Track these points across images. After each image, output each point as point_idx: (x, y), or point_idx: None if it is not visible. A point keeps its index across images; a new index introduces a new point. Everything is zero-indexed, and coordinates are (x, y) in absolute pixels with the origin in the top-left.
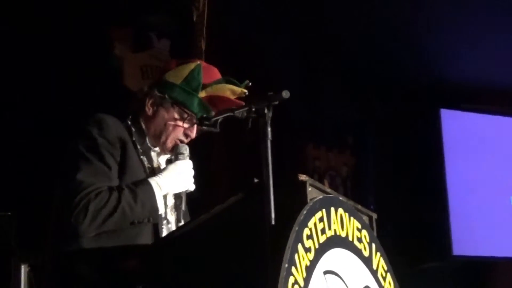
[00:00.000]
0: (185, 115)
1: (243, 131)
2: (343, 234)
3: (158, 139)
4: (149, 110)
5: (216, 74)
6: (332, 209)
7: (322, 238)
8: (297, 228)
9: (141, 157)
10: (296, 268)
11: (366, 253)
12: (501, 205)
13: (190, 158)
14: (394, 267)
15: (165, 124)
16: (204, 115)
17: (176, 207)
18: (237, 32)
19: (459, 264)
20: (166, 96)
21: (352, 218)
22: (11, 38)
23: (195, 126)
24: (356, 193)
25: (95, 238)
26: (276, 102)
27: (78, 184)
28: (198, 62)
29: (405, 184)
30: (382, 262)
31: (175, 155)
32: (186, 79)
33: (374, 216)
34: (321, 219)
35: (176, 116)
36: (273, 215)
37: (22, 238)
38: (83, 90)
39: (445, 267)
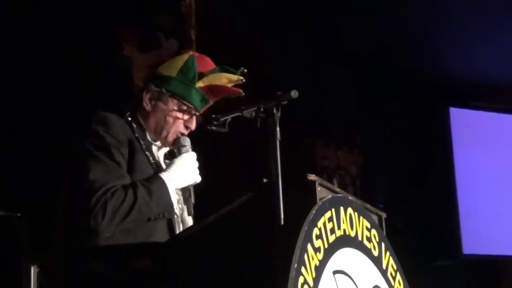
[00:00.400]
0: (184, 107)
1: (252, 131)
2: (353, 234)
3: (160, 134)
4: (147, 105)
5: (210, 62)
6: (342, 208)
7: (332, 238)
8: (306, 228)
9: (146, 153)
10: (305, 268)
11: (375, 253)
12: (510, 204)
13: (192, 150)
14: (404, 266)
15: (165, 118)
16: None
17: (185, 200)
18: (245, 31)
19: (469, 263)
20: (163, 89)
21: (361, 217)
22: (16, 37)
23: (194, 117)
24: (366, 192)
25: (111, 237)
26: (285, 102)
27: (92, 184)
28: (191, 52)
29: (414, 183)
30: (391, 261)
31: (177, 148)
32: (181, 71)
33: (384, 215)
34: (330, 219)
35: (175, 108)
36: (282, 215)
37: (32, 239)
38: (91, 91)
39: (455, 266)
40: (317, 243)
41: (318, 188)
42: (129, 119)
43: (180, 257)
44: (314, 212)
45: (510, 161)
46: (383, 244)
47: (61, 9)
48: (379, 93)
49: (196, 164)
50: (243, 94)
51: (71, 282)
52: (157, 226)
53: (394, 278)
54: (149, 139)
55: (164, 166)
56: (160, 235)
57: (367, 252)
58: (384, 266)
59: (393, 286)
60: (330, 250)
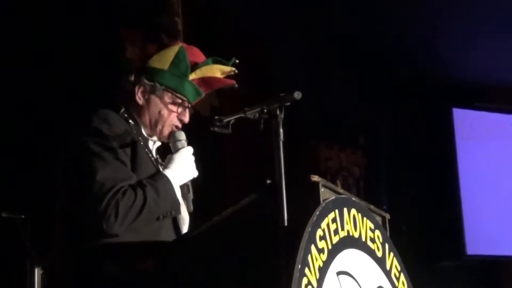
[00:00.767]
0: (178, 100)
1: (255, 132)
2: (356, 235)
3: (155, 128)
4: (140, 100)
5: (199, 53)
6: (345, 209)
7: (335, 239)
8: (310, 229)
9: (146, 150)
10: (309, 269)
11: (379, 254)
12: None
13: (188, 144)
14: (408, 267)
15: (160, 112)
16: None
17: (184, 195)
18: (251, 33)
19: (473, 264)
20: (156, 83)
21: (365, 218)
22: (18, 38)
23: (188, 110)
24: (369, 193)
25: (118, 236)
26: (288, 103)
27: (101, 186)
28: (180, 44)
29: (418, 184)
30: (395, 262)
31: (172, 142)
32: (173, 64)
33: (387, 216)
34: (334, 220)
35: (169, 102)
36: (285, 216)
37: (36, 241)
38: (93, 92)
39: (459, 266)
40: (321, 244)
41: (322, 189)
42: (125, 115)
43: (184, 258)
44: (317, 213)
45: None
46: (386, 245)
47: (64, 11)
48: (382, 94)
49: (193, 158)
50: (236, 85)
51: (75, 282)
52: (163, 224)
53: (398, 279)
54: (145, 134)
55: (159, 160)
56: (167, 233)
57: (370, 253)
58: (388, 267)
59: (397, 287)
60: (334, 251)
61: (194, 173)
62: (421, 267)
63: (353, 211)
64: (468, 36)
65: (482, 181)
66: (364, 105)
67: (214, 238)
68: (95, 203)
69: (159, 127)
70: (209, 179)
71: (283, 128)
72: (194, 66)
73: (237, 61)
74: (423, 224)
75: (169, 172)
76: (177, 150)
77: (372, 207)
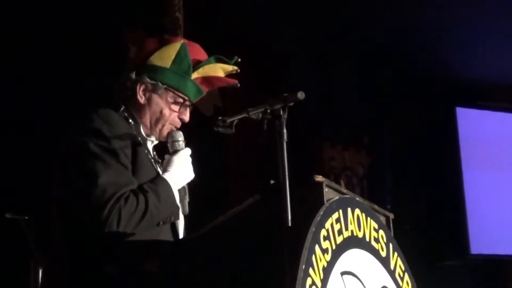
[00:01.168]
0: (179, 99)
1: (258, 133)
2: (360, 235)
3: (154, 127)
4: (142, 98)
5: (200, 50)
6: (349, 209)
7: (339, 239)
8: (313, 229)
9: (145, 151)
10: (313, 269)
11: (383, 253)
12: None
13: (186, 144)
14: (412, 267)
15: (161, 111)
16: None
17: (180, 198)
18: (255, 33)
19: (477, 263)
20: (159, 82)
21: (369, 218)
22: (21, 39)
23: (188, 109)
24: (373, 193)
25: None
26: (292, 103)
27: (103, 191)
28: (182, 40)
29: (422, 184)
30: (399, 262)
31: (170, 142)
32: (175, 62)
33: (391, 216)
34: (337, 220)
35: (170, 101)
36: (289, 216)
37: (40, 241)
38: (97, 92)
39: (463, 266)
40: (325, 244)
41: (325, 189)
42: (125, 114)
43: (187, 259)
44: (321, 213)
45: None
46: (390, 245)
47: (67, 11)
48: (385, 93)
49: (191, 160)
50: (238, 85)
51: (75, 283)
52: (161, 228)
53: (402, 279)
54: (144, 134)
55: (158, 160)
56: (165, 237)
57: (375, 253)
58: (392, 267)
59: (401, 287)
60: (338, 251)
61: (192, 176)
62: (425, 266)
63: (357, 211)
64: (471, 35)
65: (485, 180)
66: (368, 104)
67: (217, 238)
68: (97, 210)
69: (159, 126)
70: (212, 179)
71: (286, 128)
72: (196, 65)
73: (239, 60)
74: (427, 223)
75: (169, 176)
76: (175, 151)
77: (376, 207)
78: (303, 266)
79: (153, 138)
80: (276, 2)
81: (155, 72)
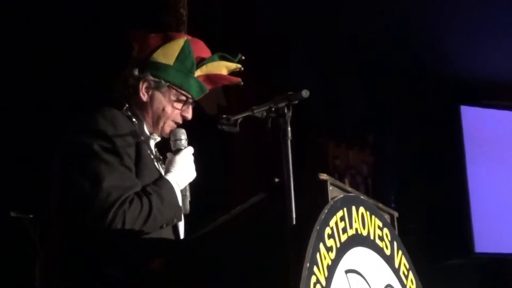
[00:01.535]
0: (182, 97)
1: (263, 131)
2: (365, 233)
3: (156, 125)
4: (144, 96)
5: (204, 47)
6: (353, 207)
7: (344, 237)
8: (318, 227)
9: (148, 151)
10: (318, 267)
11: (387, 252)
12: None
13: (188, 143)
14: (416, 265)
15: (163, 109)
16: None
17: (182, 197)
18: (260, 32)
19: (481, 261)
20: (162, 80)
21: (373, 216)
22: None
23: (191, 106)
24: (377, 191)
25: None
26: (296, 102)
27: (108, 195)
28: (185, 37)
29: (426, 182)
30: (404, 260)
31: (173, 141)
32: (178, 59)
33: (396, 214)
34: (342, 218)
35: (173, 99)
36: (294, 215)
37: (45, 240)
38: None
39: (467, 264)
40: (329, 242)
41: (330, 188)
42: (129, 113)
43: (191, 257)
44: (326, 211)
45: None
46: (395, 243)
47: (70, 10)
48: (389, 92)
49: (193, 159)
50: (242, 83)
51: (78, 283)
52: (164, 230)
53: (406, 277)
54: (147, 132)
55: (159, 158)
56: (166, 237)
57: (379, 251)
58: (396, 265)
59: (406, 285)
60: (342, 250)
61: (193, 175)
62: (430, 265)
63: (362, 209)
64: (476, 33)
65: (490, 179)
66: (372, 103)
67: (222, 237)
68: (102, 214)
69: (161, 123)
70: (217, 178)
71: (291, 127)
72: (200, 62)
73: (243, 57)
74: (431, 222)
75: (171, 177)
76: (177, 149)
77: (380, 205)
78: (308, 264)
79: (156, 136)
80: (281, 3)
81: (158, 69)
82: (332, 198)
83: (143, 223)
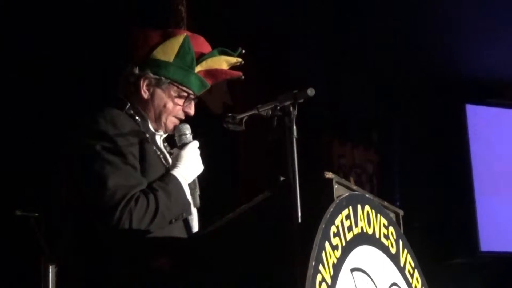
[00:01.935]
0: (183, 93)
1: (268, 130)
2: (370, 231)
3: (159, 121)
4: (145, 94)
5: (204, 42)
6: (359, 206)
7: (349, 236)
8: (323, 226)
9: (154, 148)
10: (323, 266)
11: (393, 250)
12: None
13: (193, 137)
14: (422, 264)
15: (164, 106)
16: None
17: (191, 191)
18: (266, 30)
19: (487, 260)
20: (163, 77)
21: (378, 215)
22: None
23: (193, 102)
24: (382, 190)
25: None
26: (301, 100)
27: (113, 194)
28: (184, 33)
29: (432, 180)
30: (409, 258)
31: (178, 136)
32: (178, 55)
33: (401, 213)
34: (347, 217)
35: (174, 95)
36: (299, 213)
37: (50, 239)
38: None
39: (473, 263)
40: (335, 241)
41: (335, 186)
42: (131, 111)
43: (197, 256)
44: (331, 210)
45: None
46: (400, 242)
47: (74, 9)
48: (395, 91)
49: (199, 152)
50: (243, 77)
51: (87, 282)
52: (174, 225)
53: (412, 276)
54: (152, 129)
55: (167, 155)
56: (178, 234)
57: (384, 249)
58: (401, 264)
59: (411, 284)
60: (348, 248)
61: (201, 168)
62: (435, 263)
63: (367, 207)
64: (481, 32)
65: (495, 177)
66: (378, 102)
67: (227, 235)
68: (108, 213)
69: (163, 119)
70: (222, 176)
71: (296, 125)
72: (200, 57)
73: (243, 51)
74: (437, 220)
75: (178, 172)
76: (182, 144)
77: (385, 203)
78: (313, 263)
79: (161, 133)
80: (286, 1)
81: (158, 66)
82: (337, 197)
83: (151, 220)
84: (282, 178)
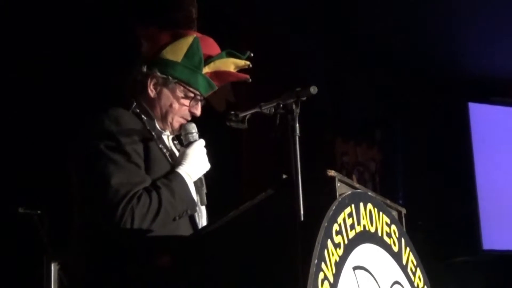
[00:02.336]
0: (190, 94)
1: (271, 128)
2: (372, 230)
3: (165, 120)
4: (152, 92)
5: (213, 44)
6: (361, 204)
7: (351, 234)
8: (326, 224)
9: (160, 146)
10: (325, 264)
11: (395, 248)
12: None
13: (199, 136)
14: (424, 262)
15: (171, 105)
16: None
17: (197, 189)
18: (269, 29)
19: (489, 259)
20: (169, 76)
21: (381, 213)
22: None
23: (199, 103)
24: (385, 188)
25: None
26: (304, 98)
27: (116, 191)
28: (194, 34)
29: (434, 179)
30: (411, 257)
31: (184, 135)
32: (186, 56)
33: (403, 211)
34: (350, 215)
35: (181, 95)
36: (302, 211)
37: (53, 236)
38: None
39: (475, 261)
40: (337, 239)
41: (338, 184)
42: (137, 110)
43: (200, 253)
44: (333, 208)
45: None
46: (403, 240)
47: (79, 6)
48: (398, 89)
49: (205, 151)
50: (250, 80)
51: (92, 280)
52: (180, 222)
53: (414, 274)
54: (159, 128)
55: (177, 153)
56: (184, 231)
57: (387, 247)
58: (404, 262)
59: (413, 282)
60: (350, 246)
61: (207, 166)
62: (437, 262)
63: (369, 205)
64: (484, 30)
65: (498, 176)
66: (380, 100)
67: (230, 233)
68: (111, 211)
69: (169, 119)
70: (225, 174)
71: (299, 123)
72: (208, 59)
73: (251, 54)
74: (439, 219)
75: (183, 170)
76: (189, 143)
77: (388, 201)
78: (316, 261)
79: (167, 132)
80: (288, 2)
81: (166, 66)
82: (340, 195)
83: (154, 217)
84: (284, 176)
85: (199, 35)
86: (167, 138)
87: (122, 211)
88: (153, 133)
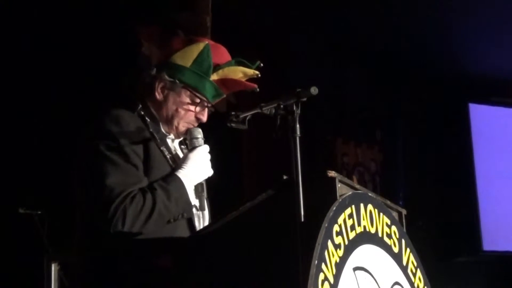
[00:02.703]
0: (197, 99)
1: (272, 128)
2: (373, 230)
3: (171, 124)
4: (159, 95)
5: (225, 53)
6: (362, 205)
7: (352, 235)
8: (326, 225)
9: (162, 148)
10: (326, 264)
11: (395, 249)
12: None
13: (205, 142)
14: (424, 263)
15: (177, 109)
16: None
17: (198, 194)
18: (269, 29)
19: (490, 259)
20: (177, 80)
21: (381, 214)
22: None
23: (206, 109)
24: (385, 189)
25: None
26: (305, 99)
27: (110, 191)
28: (206, 41)
29: (435, 179)
30: (412, 258)
31: (189, 140)
32: (196, 61)
33: (404, 211)
34: (350, 215)
35: (188, 100)
36: (302, 212)
37: (53, 237)
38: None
39: (476, 262)
40: (337, 239)
41: (338, 185)
42: (142, 112)
43: (201, 254)
44: (334, 209)
45: None
46: (403, 241)
47: (80, 6)
48: (398, 89)
49: (209, 157)
50: (258, 89)
51: (92, 281)
52: (177, 225)
53: (414, 275)
54: (163, 131)
55: (180, 156)
56: (181, 233)
57: (387, 248)
58: (404, 263)
59: (414, 283)
60: (351, 247)
61: (209, 172)
62: (438, 262)
63: (370, 206)
64: (484, 30)
65: (498, 176)
66: (381, 100)
67: (231, 233)
68: (104, 209)
69: (175, 123)
70: (226, 175)
71: (299, 124)
72: (217, 67)
73: (261, 64)
74: (440, 219)
75: (182, 173)
76: (193, 147)
77: (388, 202)
78: (316, 262)
79: (172, 136)
80: (292, 1)
81: (174, 70)
82: (340, 195)
83: (146, 218)
84: (285, 177)
85: (211, 43)
86: (172, 141)
87: (114, 210)
88: (156, 136)
